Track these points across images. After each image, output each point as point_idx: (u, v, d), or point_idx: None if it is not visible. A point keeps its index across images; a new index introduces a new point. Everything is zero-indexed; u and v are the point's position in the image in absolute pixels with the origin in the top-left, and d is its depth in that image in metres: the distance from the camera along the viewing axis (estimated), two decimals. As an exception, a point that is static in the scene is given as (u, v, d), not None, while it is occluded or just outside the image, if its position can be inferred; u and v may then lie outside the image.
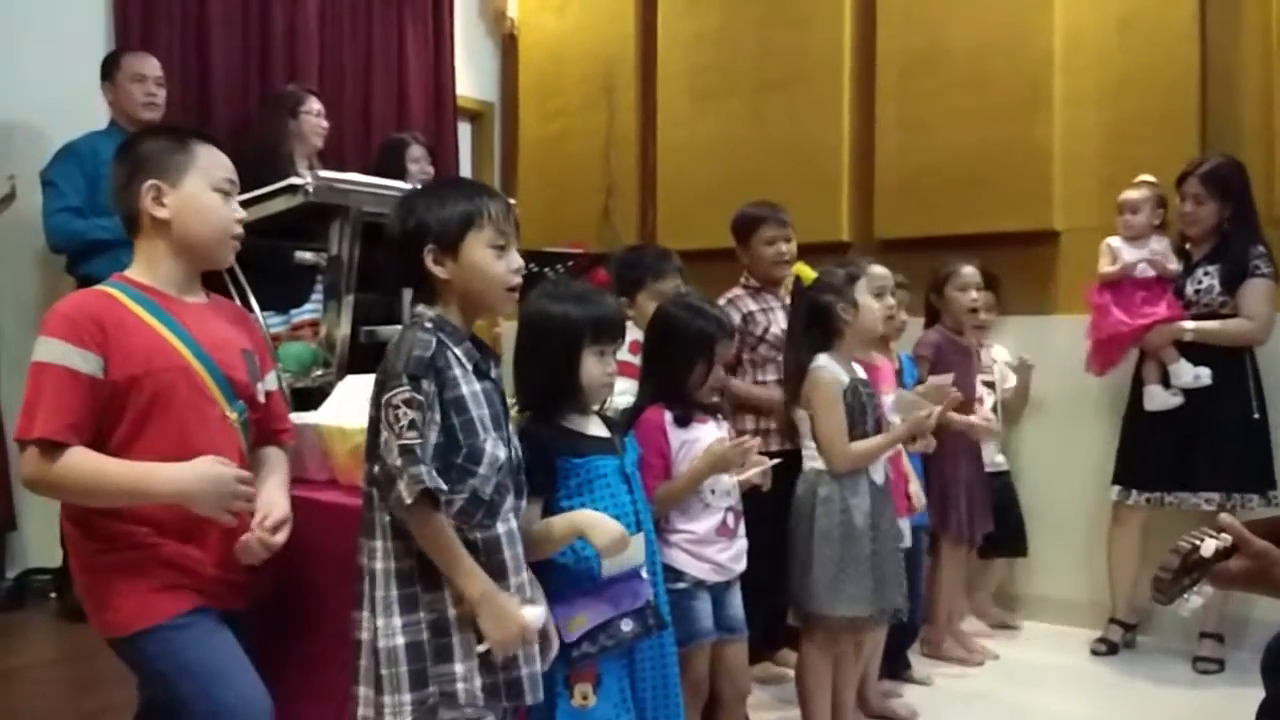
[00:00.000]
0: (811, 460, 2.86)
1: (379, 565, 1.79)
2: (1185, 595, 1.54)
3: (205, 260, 1.99)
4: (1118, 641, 3.95)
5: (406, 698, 1.75)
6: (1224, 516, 1.56)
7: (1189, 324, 3.74)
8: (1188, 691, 3.57)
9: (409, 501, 1.69)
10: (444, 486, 1.72)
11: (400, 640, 1.76)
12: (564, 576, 2.10)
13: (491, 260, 1.85)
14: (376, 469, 1.78)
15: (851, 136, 4.81)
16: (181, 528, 1.86)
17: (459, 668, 1.76)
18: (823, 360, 2.85)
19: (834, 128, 4.82)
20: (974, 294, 3.81)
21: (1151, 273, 3.85)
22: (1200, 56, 4.07)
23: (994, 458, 4.17)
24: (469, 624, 1.77)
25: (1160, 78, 4.11)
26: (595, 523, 2.03)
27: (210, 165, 1.95)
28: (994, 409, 4.21)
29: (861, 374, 2.94)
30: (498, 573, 1.79)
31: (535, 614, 1.81)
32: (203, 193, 1.93)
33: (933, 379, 3.36)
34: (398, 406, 1.73)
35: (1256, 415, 3.70)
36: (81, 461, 1.76)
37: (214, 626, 1.88)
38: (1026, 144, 4.32)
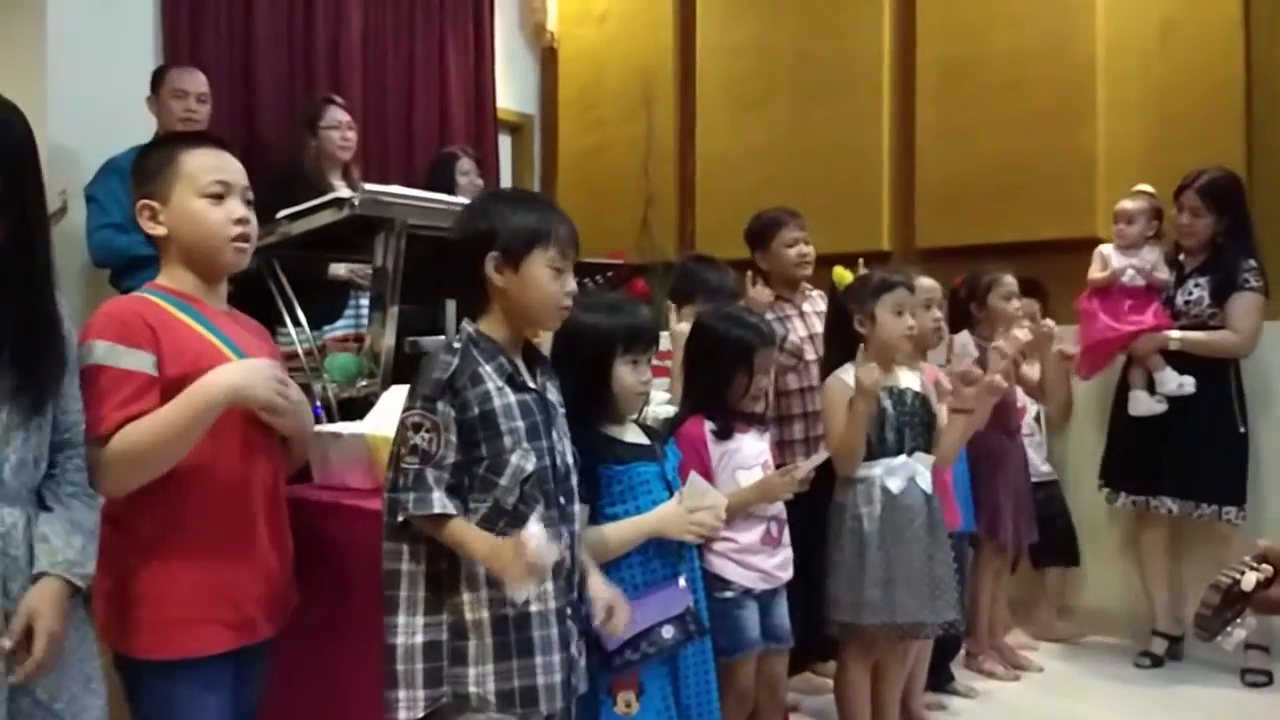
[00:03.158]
0: None
1: (404, 566, 1.83)
2: (1228, 629, 1.54)
3: (213, 268, 1.94)
4: (1161, 655, 3.91)
5: (421, 694, 1.79)
6: (1262, 542, 1.55)
7: (1175, 333, 3.80)
8: (1235, 704, 3.53)
9: (397, 520, 1.79)
10: (437, 510, 1.76)
11: (420, 638, 1.80)
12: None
13: (549, 280, 1.88)
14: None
15: (892, 145, 4.81)
16: (230, 535, 1.86)
17: (472, 671, 1.79)
18: (841, 370, 2.84)
19: (874, 136, 4.81)
20: (1016, 303, 3.78)
21: (1141, 281, 3.91)
22: (1244, 62, 4.03)
23: (1039, 467, 4.14)
24: (487, 629, 1.80)
25: (1204, 83, 4.07)
26: (662, 524, 2.15)
27: (196, 172, 1.89)
28: (1036, 418, 4.19)
29: (899, 382, 2.86)
30: None
31: (530, 532, 1.70)
32: (190, 202, 1.88)
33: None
34: (407, 428, 1.80)
35: (1242, 429, 3.76)
36: (134, 426, 1.73)
37: (214, 683, 1.85)
38: (1069, 151, 4.30)
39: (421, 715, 1.79)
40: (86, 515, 1.67)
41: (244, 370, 1.83)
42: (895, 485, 2.78)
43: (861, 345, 2.84)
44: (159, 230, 1.90)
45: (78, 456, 1.69)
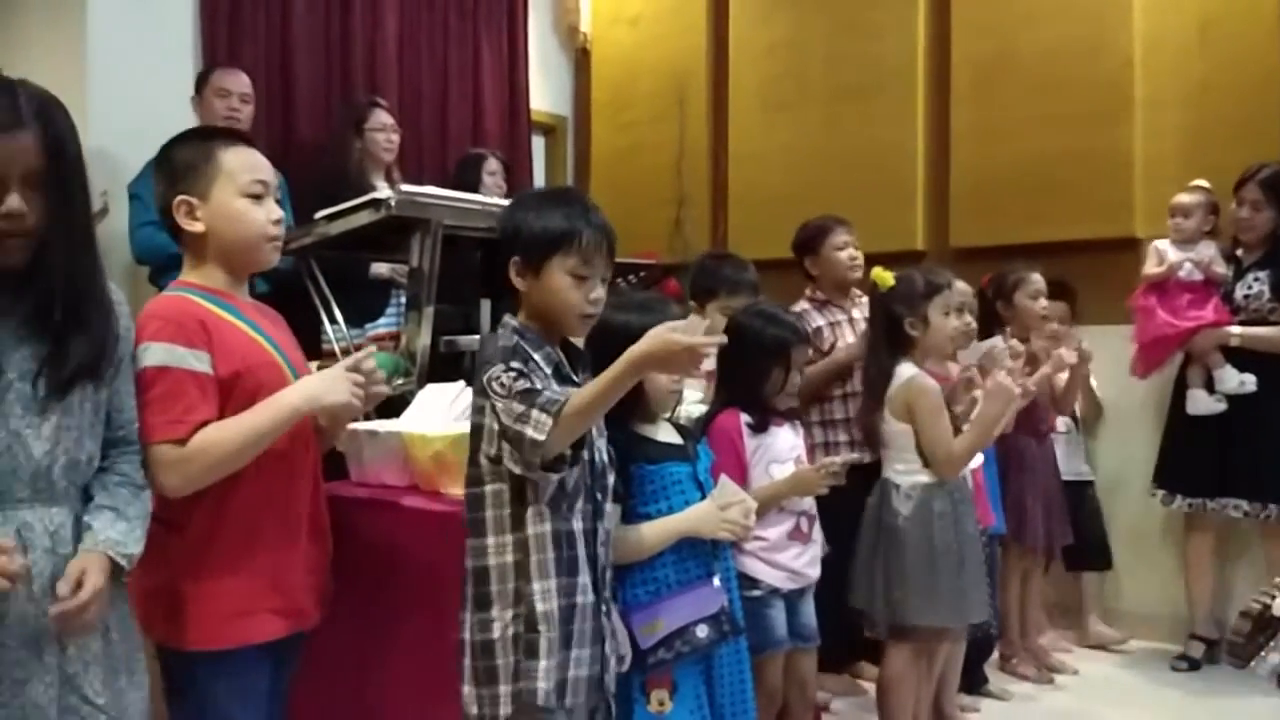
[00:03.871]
0: (915, 475, 2.79)
1: (491, 562, 1.83)
2: (1262, 654, 1.52)
3: (247, 265, 1.95)
4: (1199, 658, 3.87)
5: (507, 689, 1.79)
6: None
7: (1235, 329, 3.73)
8: (1270, 708, 3.47)
9: (547, 432, 1.69)
10: (565, 397, 1.71)
11: (511, 631, 1.80)
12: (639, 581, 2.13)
13: (567, 287, 1.85)
14: (493, 450, 1.80)
15: (926, 144, 4.77)
16: (278, 524, 1.88)
17: (542, 664, 1.78)
18: (911, 368, 2.81)
19: (908, 136, 4.78)
20: (1044, 301, 3.76)
21: (1198, 276, 3.83)
22: (1284, 59, 3.98)
23: (1078, 467, 4.11)
24: (555, 621, 1.79)
25: (1242, 80, 4.03)
26: (697, 524, 2.13)
27: (237, 170, 1.88)
28: (1073, 417, 4.15)
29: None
30: (571, 569, 1.82)
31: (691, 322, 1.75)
32: (233, 201, 1.87)
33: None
34: (499, 377, 1.76)
35: None
36: (216, 430, 1.75)
37: (261, 671, 1.87)
38: (1106, 149, 4.25)
39: (510, 712, 1.79)
40: (132, 502, 1.68)
41: (320, 377, 1.88)
42: (970, 482, 2.81)
43: (914, 347, 2.84)
44: (196, 227, 1.87)
45: (130, 452, 1.71)
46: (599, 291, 1.89)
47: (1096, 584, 4.27)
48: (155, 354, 1.75)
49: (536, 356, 1.83)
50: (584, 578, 1.85)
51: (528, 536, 1.81)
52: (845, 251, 3.61)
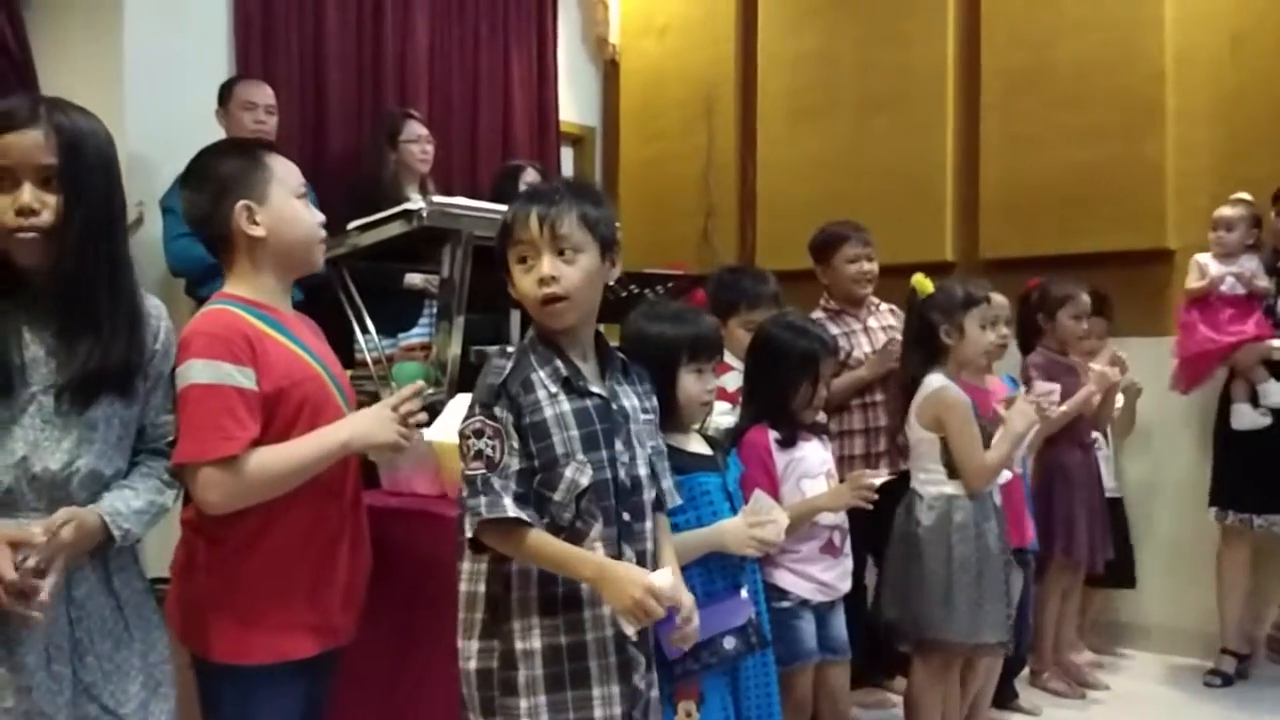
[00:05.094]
0: (939, 485, 2.79)
1: (463, 588, 1.80)
2: None
3: (302, 266, 1.96)
4: (1231, 673, 3.83)
5: None
6: None
7: (1278, 343, 3.69)
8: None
9: (468, 535, 1.70)
10: (510, 514, 1.66)
11: (473, 665, 1.75)
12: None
13: (520, 276, 1.77)
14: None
15: (955, 155, 4.76)
16: (318, 541, 1.89)
17: (524, 703, 1.70)
18: (941, 379, 2.81)
19: (937, 146, 4.77)
20: (1085, 323, 3.73)
21: (1240, 290, 3.81)
22: (1318, 71, 3.95)
23: (1109, 483, 4.07)
24: (538, 659, 1.71)
25: (1274, 92, 4.00)
26: (725, 539, 2.13)
27: (286, 174, 1.92)
28: (1105, 433, 4.12)
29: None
30: (572, 603, 1.73)
31: (662, 575, 1.68)
32: (288, 202, 1.90)
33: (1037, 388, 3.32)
34: (467, 437, 1.72)
35: None
36: (270, 453, 1.76)
37: (292, 686, 1.87)
38: (1138, 161, 4.23)
39: None
40: (146, 488, 1.68)
41: (367, 418, 1.88)
42: (998, 498, 2.79)
43: (947, 357, 2.84)
44: (258, 231, 1.86)
45: (162, 457, 1.72)
46: (546, 268, 1.72)
47: (1101, 599, 4.24)
48: (201, 371, 1.73)
49: (541, 373, 1.74)
50: (593, 611, 1.74)
51: (510, 572, 1.74)
52: (855, 265, 3.56)
